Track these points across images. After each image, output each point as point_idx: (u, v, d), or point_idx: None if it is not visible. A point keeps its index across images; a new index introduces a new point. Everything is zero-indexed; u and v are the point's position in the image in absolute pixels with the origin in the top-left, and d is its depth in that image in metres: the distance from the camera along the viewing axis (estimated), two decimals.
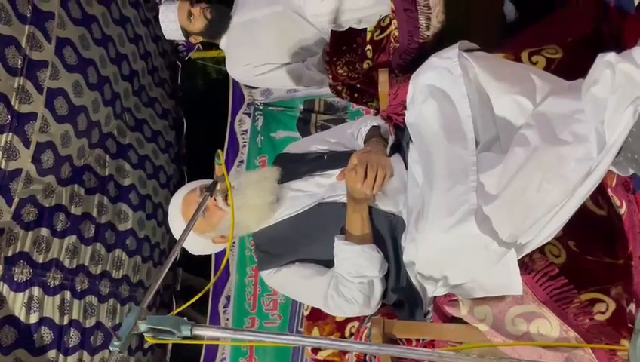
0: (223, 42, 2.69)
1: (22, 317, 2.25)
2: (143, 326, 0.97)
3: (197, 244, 1.63)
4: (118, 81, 2.92)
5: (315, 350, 1.75)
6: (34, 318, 2.31)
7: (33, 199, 2.30)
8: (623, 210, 1.35)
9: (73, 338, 2.52)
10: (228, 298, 3.55)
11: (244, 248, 3.55)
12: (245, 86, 3.62)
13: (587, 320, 1.22)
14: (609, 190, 1.38)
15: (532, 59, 1.55)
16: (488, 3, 1.93)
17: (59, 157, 2.38)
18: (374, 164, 1.45)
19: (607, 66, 1.15)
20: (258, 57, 2.61)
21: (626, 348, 1.17)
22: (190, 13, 2.61)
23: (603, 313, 1.23)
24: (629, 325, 1.22)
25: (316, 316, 1.75)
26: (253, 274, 3.53)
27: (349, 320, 1.71)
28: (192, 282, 3.86)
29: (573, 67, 1.43)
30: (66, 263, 2.50)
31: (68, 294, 2.49)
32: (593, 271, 1.30)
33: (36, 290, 2.32)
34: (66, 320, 2.48)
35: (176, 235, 1.61)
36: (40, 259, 2.35)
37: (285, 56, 2.59)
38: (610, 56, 1.16)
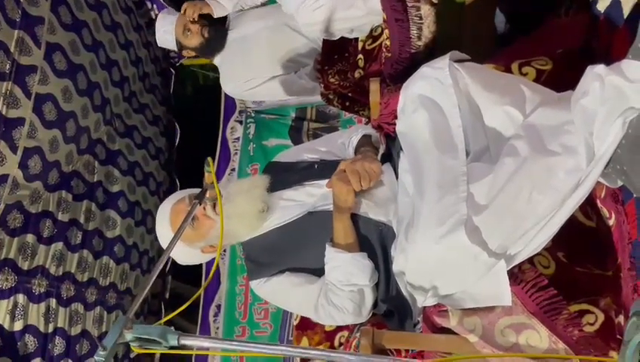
0: (217, 59, 2.73)
1: (6, 325, 2.22)
2: (129, 336, 0.96)
3: (185, 254, 1.62)
4: (109, 87, 2.90)
5: (305, 360, 1.74)
6: (18, 326, 2.27)
7: (19, 205, 2.28)
8: (611, 222, 1.36)
9: (58, 346, 2.48)
10: (218, 306, 3.52)
11: (235, 257, 3.52)
12: None
13: (576, 332, 1.22)
14: (598, 201, 1.39)
15: (522, 70, 1.56)
16: (479, 14, 1.94)
17: (46, 163, 2.35)
18: (365, 172, 1.45)
19: (597, 78, 1.16)
20: (251, 72, 2.63)
21: (615, 359, 1.16)
22: (187, 29, 2.61)
23: (592, 324, 1.24)
24: (618, 336, 1.22)
25: (305, 326, 1.73)
26: (244, 283, 3.50)
27: (338, 329, 1.70)
28: (182, 290, 3.82)
29: (562, 79, 1.44)
30: (52, 270, 2.46)
31: (53, 302, 2.45)
32: (582, 282, 1.30)
33: (21, 297, 2.28)
34: (51, 328, 2.44)
35: (164, 245, 1.58)
36: (25, 265, 2.32)
37: (278, 68, 2.60)
38: (600, 68, 1.17)
